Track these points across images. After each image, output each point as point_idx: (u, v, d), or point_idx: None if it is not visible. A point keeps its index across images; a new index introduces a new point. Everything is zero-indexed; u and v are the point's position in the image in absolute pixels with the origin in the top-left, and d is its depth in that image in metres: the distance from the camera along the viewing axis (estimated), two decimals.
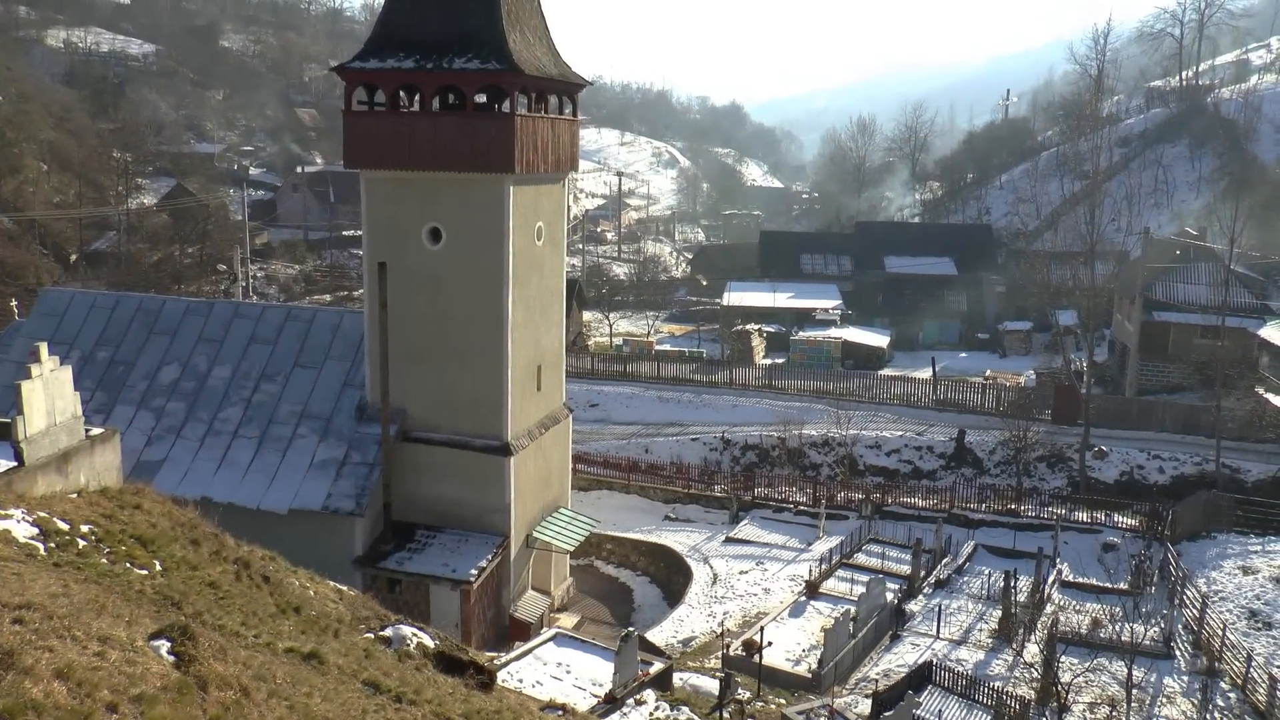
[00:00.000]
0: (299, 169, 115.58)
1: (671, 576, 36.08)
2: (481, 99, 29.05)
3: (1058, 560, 35.98)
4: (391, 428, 28.26)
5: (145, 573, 10.84)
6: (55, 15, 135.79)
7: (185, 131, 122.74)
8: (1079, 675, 25.76)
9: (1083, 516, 39.92)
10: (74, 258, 78.21)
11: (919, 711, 23.75)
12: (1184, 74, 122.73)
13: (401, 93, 28.55)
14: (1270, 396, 47.30)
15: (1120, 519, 39.52)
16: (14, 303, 43.11)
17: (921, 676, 26.30)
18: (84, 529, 11.25)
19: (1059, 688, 23.83)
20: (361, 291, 33.14)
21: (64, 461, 13.42)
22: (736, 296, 76.01)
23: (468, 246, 27.74)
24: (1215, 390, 45.81)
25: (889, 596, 31.76)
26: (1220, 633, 28.76)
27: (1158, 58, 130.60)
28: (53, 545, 10.49)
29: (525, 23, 28.25)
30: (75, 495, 12.93)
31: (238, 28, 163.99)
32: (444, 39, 26.92)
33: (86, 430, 14.21)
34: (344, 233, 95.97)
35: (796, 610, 31.43)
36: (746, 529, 39.93)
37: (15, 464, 12.77)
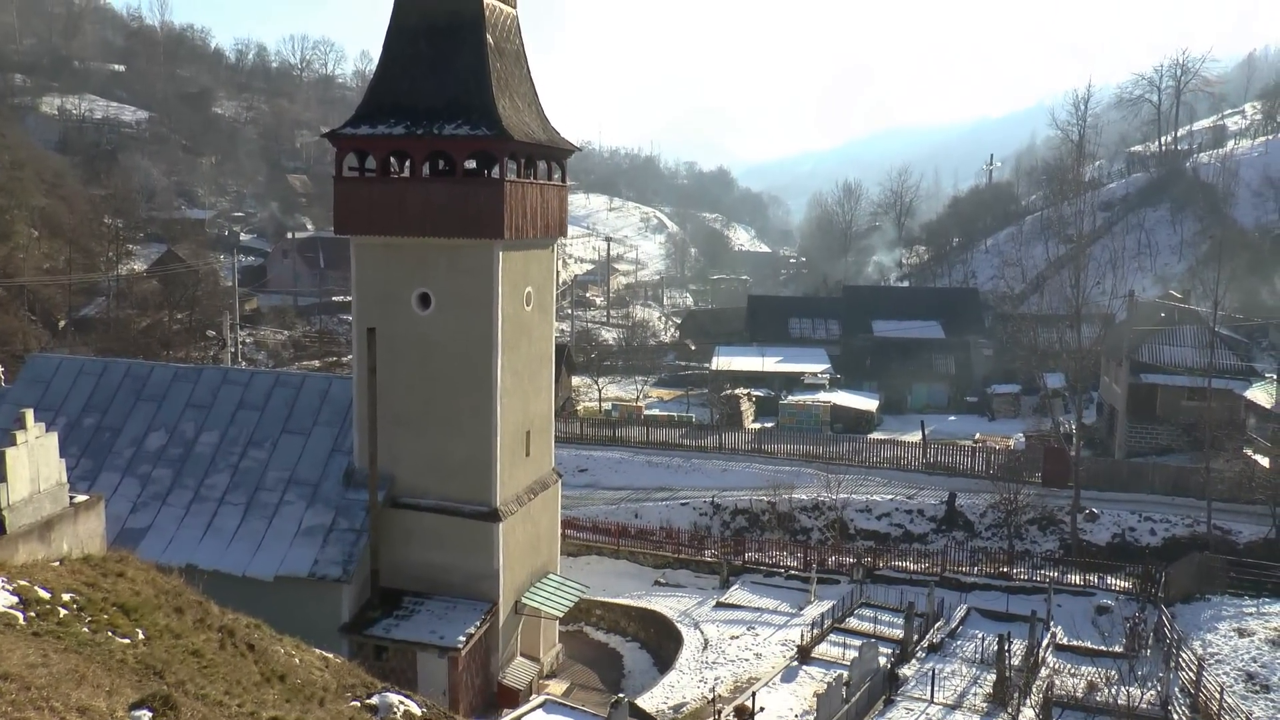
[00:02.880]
0: (289, 235, 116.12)
1: (662, 642, 35.65)
2: (471, 164, 29.32)
3: (1052, 623, 35.68)
4: (379, 493, 28.07)
5: (127, 641, 10.67)
6: (50, 83, 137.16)
7: (176, 198, 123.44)
8: None
9: (1075, 579, 39.70)
10: (62, 323, 78.11)
11: None
12: (1163, 139, 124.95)
13: (392, 158, 28.79)
14: (1258, 458, 47.41)
15: (1113, 581, 39.31)
16: (0, 369, 42.92)
17: None
18: (65, 597, 11.09)
19: None
20: (350, 357, 33.15)
21: (47, 529, 13.26)
22: (725, 361, 76.21)
23: (457, 312, 27.78)
24: (1204, 452, 45.92)
25: (882, 661, 31.40)
26: (1218, 696, 28.47)
27: (1137, 123, 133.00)
28: (32, 614, 10.33)
29: (515, 89, 28.61)
30: (58, 563, 12.76)
31: (230, 94, 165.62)
32: (434, 105, 27.22)
33: (71, 497, 14.08)
34: (333, 298, 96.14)
35: (788, 675, 31.06)
36: (737, 594, 39.58)
37: None
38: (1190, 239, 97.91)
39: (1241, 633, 33.59)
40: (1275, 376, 53.93)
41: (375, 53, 30.22)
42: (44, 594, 10.91)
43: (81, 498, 14.34)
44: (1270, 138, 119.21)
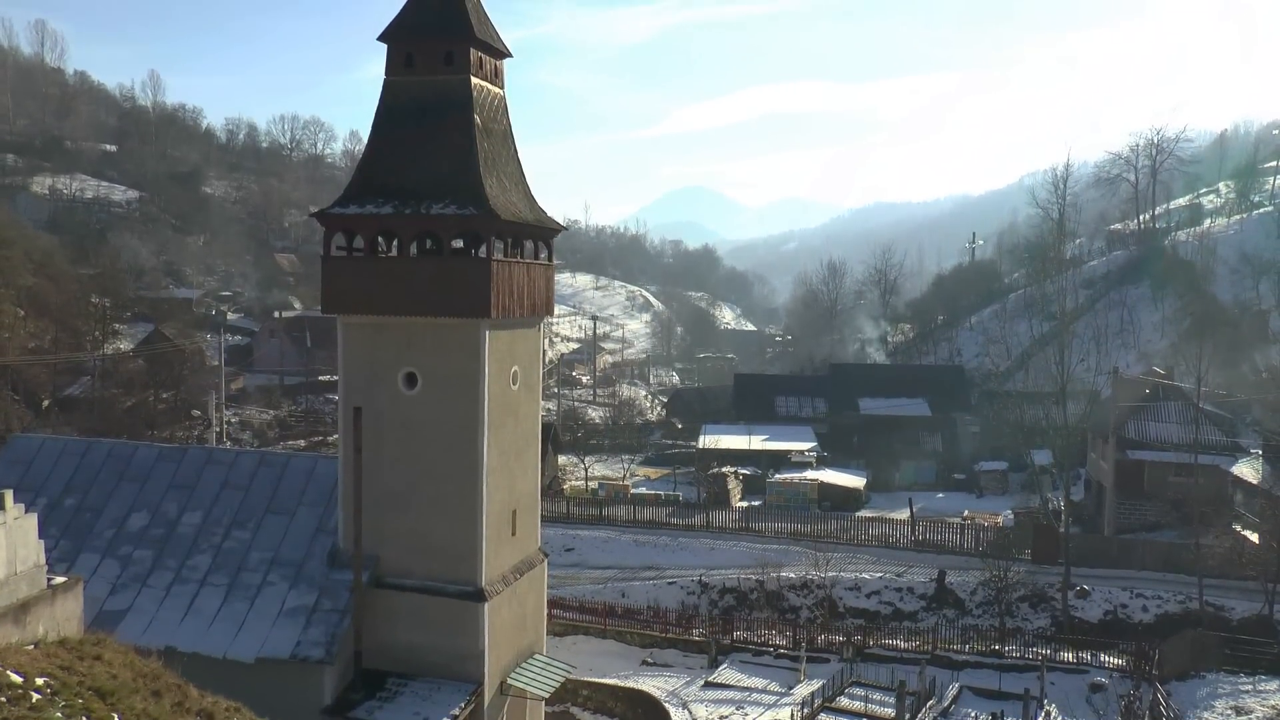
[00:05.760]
0: (277, 314, 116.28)
1: None
2: (458, 244, 29.52)
3: (1045, 701, 35.29)
4: (364, 574, 27.73)
5: None
6: (42, 163, 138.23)
7: (164, 277, 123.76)
8: None
9: (1068, 656, 39.34)
10: (46, 403, 77.66)
11: None
12: (1141, 217, 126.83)
13: (380, 238, 28.95)
14: (1247, 534, 47.32)
15: (1107, 659, 38.95)
16: None
17: None
18: (39, 681, 10.86)
19: None
20: (336, 437, 33.01)
21: (22, 612, 13.04)
22: (712, 439, 76.04)
23: (443, 391, 27.73)
24: (1193, 528, 45.82)
25: None
26: None
27: (1116, 201, 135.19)
28: (3, 699, 10.11)
29: (502, 169, 28.93)
30: (33, 646, 12.52)
31: (220, 174, 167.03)
32: (422, 185, 27.47)
33: (49, 579, 13.87)
34: (320, 377, 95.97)
35: None
36: (726, 673, 39.07)
37: None
38: (1171, 316, 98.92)
39: (1238, 711, 33.22)
40: (1261, 452, 54.10)
41: (364, 133, 30.65)
42: (16, 678, 10.68)
43: (60, 579, 14.14)
44: (1244, 216, 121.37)
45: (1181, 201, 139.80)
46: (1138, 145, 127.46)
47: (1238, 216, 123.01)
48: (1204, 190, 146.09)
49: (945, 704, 35.21)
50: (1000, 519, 59.21)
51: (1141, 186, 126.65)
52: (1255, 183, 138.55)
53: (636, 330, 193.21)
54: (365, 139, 29.90)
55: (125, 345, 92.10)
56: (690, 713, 34.96)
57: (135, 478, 31.94)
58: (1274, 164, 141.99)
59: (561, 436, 78.78)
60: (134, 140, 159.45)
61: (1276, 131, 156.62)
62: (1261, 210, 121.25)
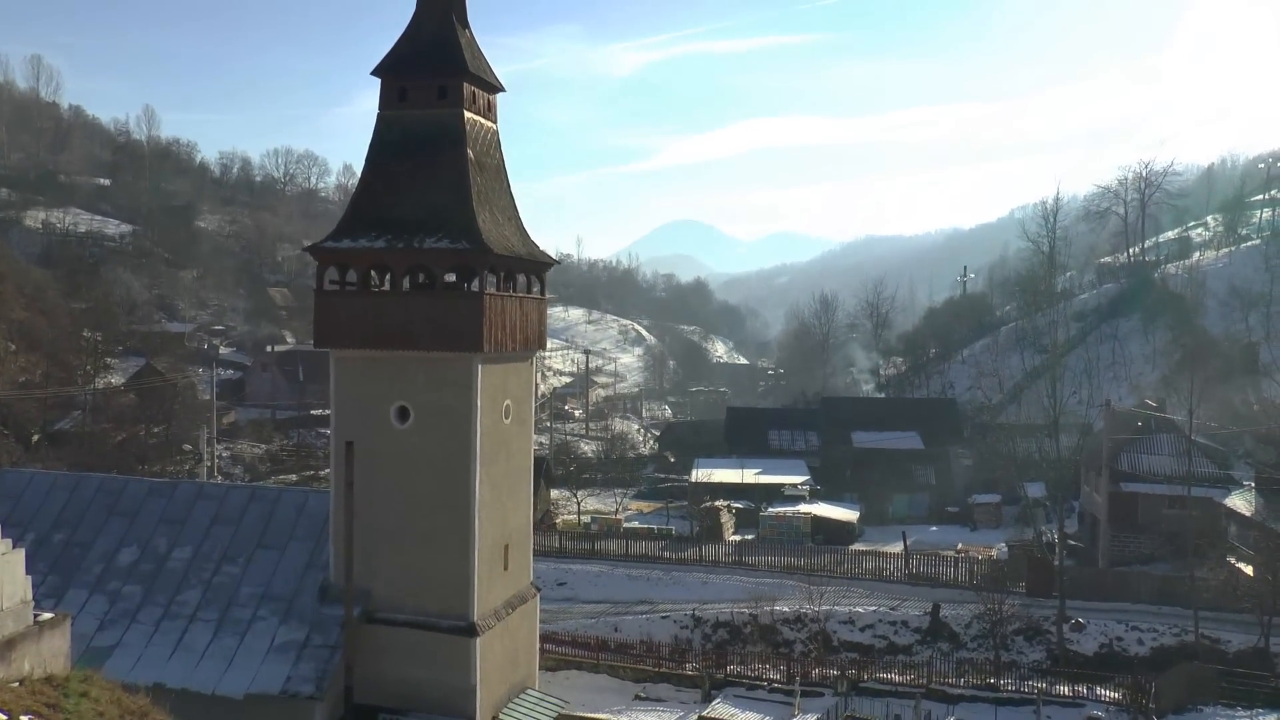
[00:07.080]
0: (269, 348, 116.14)
1: None
2: (451, 278, 29.56)
3: None
4: (355, 609, 27.53)
5: None
6: (36, 197, 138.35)
7: (157, 311, 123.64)
8: None
9: (1064, 690, 39.07)
10: (36, 438, 77.27)
11: None
12: (1130, 250, 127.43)
13: (373, 272, 28.98)
14: (1242, 566, 47.27)
15: (1103, 692, 38.70)
16: None
17: None
18: (23, 719, 10.74)
19: None
20: (328, 471, 32.87)
21: (8, 649, 12.89)
22: (704, 473, 75.84)
23: (435, 426, 27.67)
24: (1187, 560, 45.73)
25: None
26: None
27: (1105, 235, 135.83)
28: None
29: (494, 203, 29.02)
30: (18, 684, 12.37)
31: (214, 208, 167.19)
32: (415, 219, 27.53)
33: (35, 615, 13.73)
34: (312, 412, 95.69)
35: None
36: (720, 707, 38.69)
37: None
38: (1162, 348, 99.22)
39: None
40: (1253, 484, 54.13)
41: (358, 167, 30.71)
42: (1, 717, 10.56)
43: (47, 616, 13.98)
44: (1233, 249, 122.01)
45: (1170, 234, 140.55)
46: (1126, 179, 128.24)
47: (1226, 250, 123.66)
48: (1192, 224, 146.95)
49: None
50: (994, 552, 59.06)
51: (1131, 220, 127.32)
52: (1243, 216, 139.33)
53: (629, 364, 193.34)
54: (358, 173, 29.99)
55: (116, 379, 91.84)
56: None
57: (125, 512, 31.76)
58: (1261, 197, 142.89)
59: (554, 470, 78.53)
60: (128, 174, 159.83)
61: (1262, 165, 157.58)
62: (1249, 243, 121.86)
